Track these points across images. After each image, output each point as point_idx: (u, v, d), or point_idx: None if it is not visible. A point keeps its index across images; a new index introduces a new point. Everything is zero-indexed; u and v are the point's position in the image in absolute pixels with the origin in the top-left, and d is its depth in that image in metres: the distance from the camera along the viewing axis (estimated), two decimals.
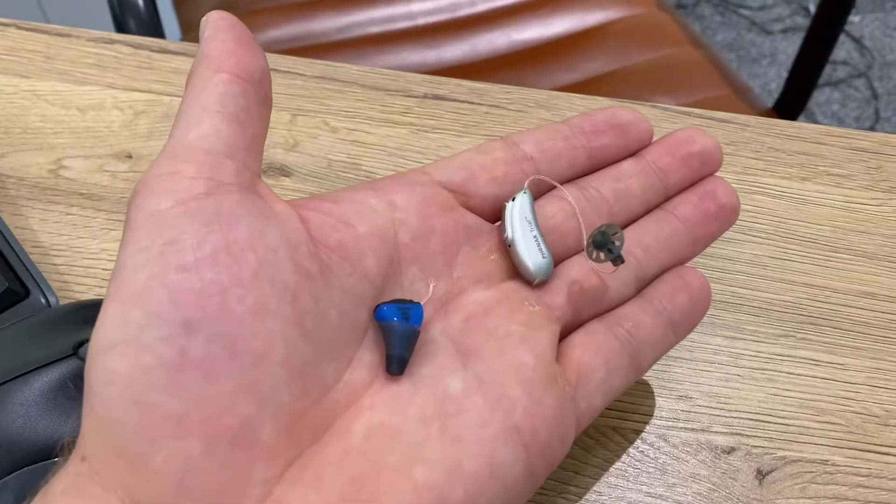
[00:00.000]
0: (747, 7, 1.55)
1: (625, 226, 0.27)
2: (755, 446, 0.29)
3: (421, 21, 0.82)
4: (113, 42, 0.43)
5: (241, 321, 0.19)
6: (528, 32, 0.83)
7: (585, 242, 0.25)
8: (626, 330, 0.25)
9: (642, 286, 0.27)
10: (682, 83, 0.80)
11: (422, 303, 0.23)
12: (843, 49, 1.47)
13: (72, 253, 0.34)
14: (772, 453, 0.29)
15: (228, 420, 0.18)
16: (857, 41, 1.48)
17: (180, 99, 0.23)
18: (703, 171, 0.28)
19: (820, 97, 1.41)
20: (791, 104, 0.79)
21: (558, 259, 0.26)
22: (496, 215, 0.26)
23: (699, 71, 0.81)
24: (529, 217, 0.25)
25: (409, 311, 0.22)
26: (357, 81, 0.41)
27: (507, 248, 0.25)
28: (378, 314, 0.22)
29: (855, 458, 0.29)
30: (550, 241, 0.26)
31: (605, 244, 0.24)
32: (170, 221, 0.19)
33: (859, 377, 0.32)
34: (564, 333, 0.25)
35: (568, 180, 0.27)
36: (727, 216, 0.28)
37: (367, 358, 0.22)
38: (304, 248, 0.21)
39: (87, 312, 0.29)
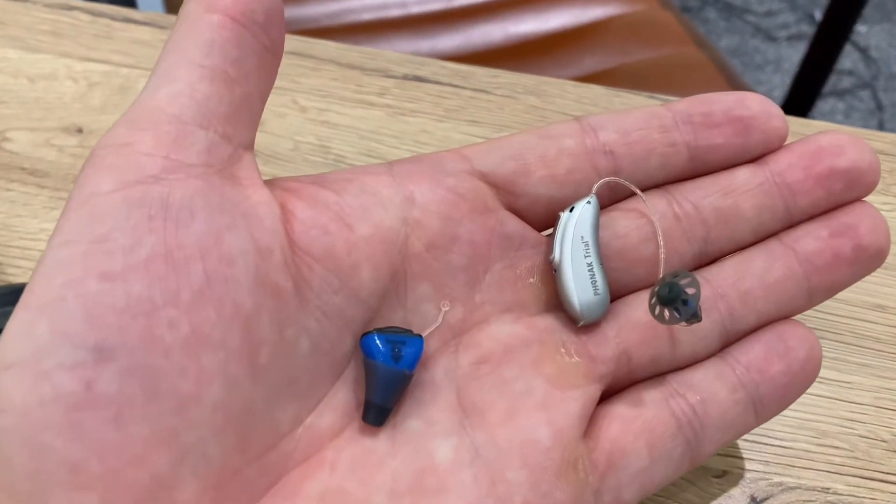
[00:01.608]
0: (752, 13, 1.53)
1: (723, 255, 0.22)
2: (749, 470, 0.27)
3: (414, 10, 0.79)
4: (71, 9, 0.40)
5: (168, 353, 0.16)
6: (524, 25, 0.81)
7: (650, 294, 0.20)
8: (691, 404, 0.20)
9: (728, 343, 0.21)
10: (684, 84, 0.78)
11: (424, 335, 0.19)
12: (848, 59, 1.45)
13: (8, 232, 0.31)
14: (767, 479, 0.27)
15: (136, 475, 0.15)
16: (863, 51, 1.46)
17: (140, 72, 0.20)
18: (845, 195, 0.21)
19: (824, 107, 1.39)
20: (795, 112, 0.78)
21: (620, 293, 0.21)
22: (549, 223, 0.21)
23: (702, 72, 0.79)
24: (588, 236, 0.20)
25: (403, 348, 0.19)
26: (333, 59, 0.38)
27: (552, 272, 0.21)
28: (363, 346, 0.19)
29: (858, 487, 0.27)
30: (614, 269, 0.21)
31: (673, 300, 0.19)
32: (104, 211, 0.16)
33: (866, 397, 0.29)
34: (607, 395, 0.21)
35: (656, 186, 0.22)
36: (865, 263, 0.21)
37: (343, 398, 0.19)
38: (276, 257, 0.17)
39: (14, 299, 0.26)
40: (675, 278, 0.19)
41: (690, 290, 0.19)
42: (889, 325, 0.31)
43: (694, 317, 0.19)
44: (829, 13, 0.73)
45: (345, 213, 0.19)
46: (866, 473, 0.27)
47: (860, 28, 1.42)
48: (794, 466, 0.27)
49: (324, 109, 0.37)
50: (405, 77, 0.38)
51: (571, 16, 0.80)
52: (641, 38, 0.77)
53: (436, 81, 0.38)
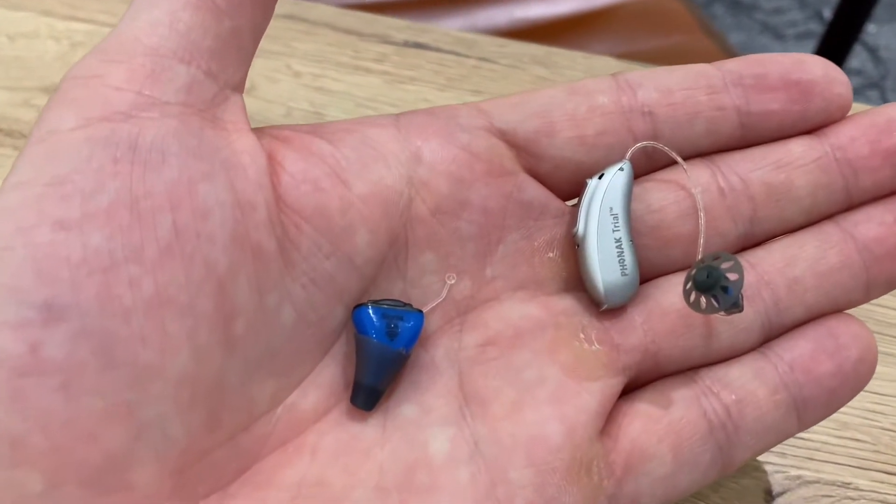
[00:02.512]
0: (760, 10, 1.52)
1: (770, 238, 0.20)
2: (764, 462, 0.26)
3: None
4: None
5: (127, 316, 0.14)
6: (530, 10, 0.79)
7: (686, 278, 0.18)
8: (724, 405, 0.18)
9: (771, 336, 0.19)
10: None
11: (425, 310, 0.18)
12: (857, 59, 1.44)
13: None
14: (784, 472, 0.25)
15: (86, 453, 0.14)
16: (872, 52, 1.45)
17: None
18: None
19: None
20: None
21: (652, 275, 0.19)
22: (574, 192, 0.19)
23: (710, 61, 0.79)
24: (618, 208, 0.18)
25: (400, 324, 0.17)
26: (329, 23, 0.37)
27: (575, 247, 0.19)
28: (355, 319, 0.17)
29: (882, 483, 0.26)
30: (646, 247, 0.19)
31: (711, 287, 0.17)
32: (63, 150, 0.14)
33: (890, 388, 0.28)
34: (630, 389, 0.19)
35: (699, 155, 0.20)
36: None
37: (330, 376, 0.17)
38: (259, 213, 0.16)
39: None
40: (716, 261, 0.17)
41: (732, 276, 0.17)
42: None
43: (735, 306, 0.17)
44: (839, 12, 0.71)
45: (341, 168, 0.17)
46: (890, 468, 0.26)
47: (870, 28, 1.41)
48: (813, 459, 0.26)
49: (319, 75, 0.35)
50: (405, 44, 0.36)
51: (579, 1, 0.79)
52: (650, 25, 0.75)
53: (437, 49, 0.36)
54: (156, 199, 0.15)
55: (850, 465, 0.26)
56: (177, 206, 0.15)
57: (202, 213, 0.15)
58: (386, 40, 0.37)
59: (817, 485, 0.25)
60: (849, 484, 0.26)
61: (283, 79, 0.35)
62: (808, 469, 0.26)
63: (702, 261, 0.18)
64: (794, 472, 0.25)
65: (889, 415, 0.27)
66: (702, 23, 0.81)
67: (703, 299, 0.17)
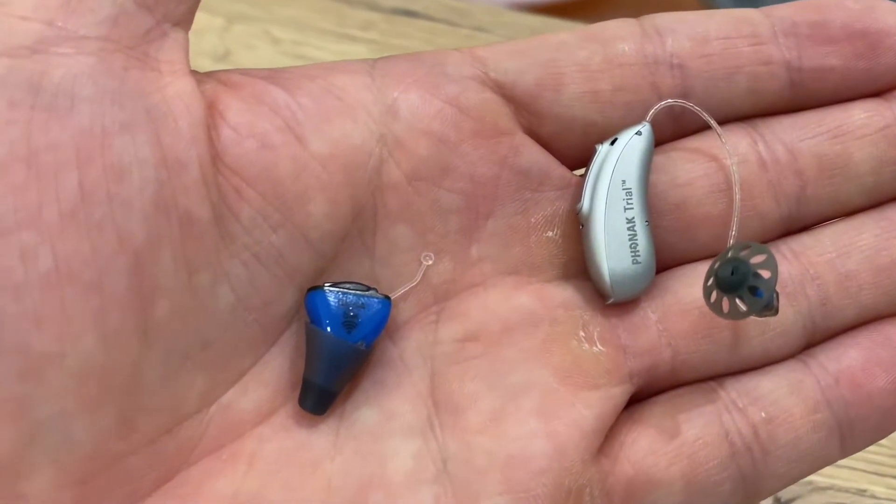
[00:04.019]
0: (764, 2, 1.50)
1: (821, 222, 0.17)
2: None
3: None
4: None
5: (19, 293, 0.13)
6: None
7: (707, 273, 0.16)
8: (752, 423, 0.16)
9: (815, 342, 0.17)
10: None
11: (394, 296, 0.15)
12: None
13: None
14: None
15: None
16: None
17: None
18: None
19: None
20: None
21: (672, 263, 0.17)
22: (584, 159, 0.17)
23: None
24: (633, 180, 0.16)
25: (361, 313, 0.15)
26: None
27: (579, 226, 0.16)
28: (307, 306, 0.15)
29: None
30: (666, 229, 0.17)
31: (737, 286, 0.15)
32: None
33: None
34: (639, 398, 0.17)
35: (738, 119, 0.17)
36: None
37: (276, 371, 0.15)
38: (190, 174, 0.14)
39: None
40: (744, 254, 0.15)
41: (764, 274, 0.15)
42: None
43: (767, 309, 0.15)
44: None
45: (296, 121, 0.15)
46: None
47: None
48: None
49: (299, 42, 0.34)
50: (394, 11, 0.35)
51: None
52: (656, 7, 0.75)
53: (428, 17, 0.35)
54: (59, 153, 0.13)
55: (865, 471, 0.25)
56: (85, 162, 0.13)
57: (117, 171, 0.13)
58: (373, 7, 0.35)
59: (831, 491, 0.24)
60: (864, 491, 0.24)
61: (260, 45, 0.34)
62: (820, 474, 0.24)
63: (726, 252, 0.15)
64: (805, 478, 0.22)
65: None
66: (707, 6, 0.79)
67: (725, 301, 0.15)
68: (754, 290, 0.14)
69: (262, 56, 0.33)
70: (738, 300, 0.15)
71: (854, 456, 0.24)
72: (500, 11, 0.35)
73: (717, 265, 0.15)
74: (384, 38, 0.34)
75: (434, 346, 0.16)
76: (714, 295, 0.15)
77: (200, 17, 0.40)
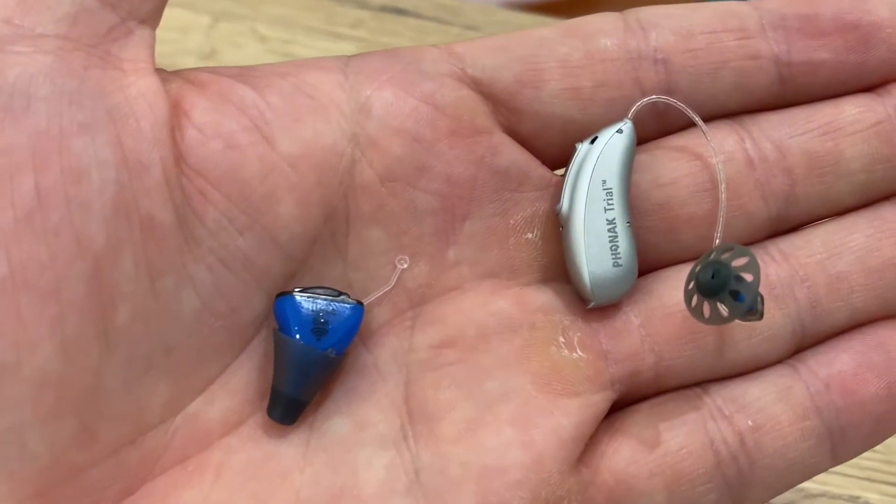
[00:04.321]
0: None
1: (811, 221, 0.17)
2: None
3: None
4: None
5: None
6: None
7: (688, 277, 0.15)
8: (738, 431, 0.15)
9: (804, 346, 0.16)
10: None
11: (367, 301, 0.15)
12: None
13: None
14: None
15: None
16: None
17: None
18: None
19: None
20: None
21: (656, 265, 0.16)
22: (566, 158, 0.16)
23: None
24: (613, 180, 0.15)
25: (332, 319, 0.14)
26: None
27: (559, 228, 0.16)
28: (276, 312, 0.14)
29: (894, 498, 0.24)
30: (650, 230, 0.16)
31: (718, 290, 0.14)
32: None
33: None
34: (621, 406, 0.16)
35: (725, 116, 0.17)
36: None
37: (244, 379, 0.15)
38: (153, 176, 0.14)
39: None
40: (725, 256, 0.14)
41: (747, 277, 0.14)
42: None
43: (751, 314, 0.14)
44: None
45: (265, 121, 0.15)
46: None
47: None
48: None
49: (287, 41, 0.33)
50: (383, 8, 0.34)
51: None
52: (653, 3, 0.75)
53: (418, 15, 0.34)
54: (14, 155, 0.13)
55: (858, 477, 0.24)
56: (42, 164, 0.13)
57: (75, 174, 0.13)
58: (362, 4, 0.35)
59: (823, 498, 0.24)
60: (857, 498, 0.24)
61: (247, 44, 0.33)
62: (813, 480, 0.21)
63: (707, 256, 0.14)
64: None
65: None
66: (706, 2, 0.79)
67: (706, 306, 0.14)
68: (736, 295, 0.14)
69: (248, 54, 0.32)
70: (719, 305, 0.14)
71: (846, 462, 0.24)
72: (492, 10, 0.35)
73: (697, 268, 0.15)
74: (373, 36, 0.33)
75: (409, 352, 0.15)
76: (695, 299, 0.15)
77: (185, 15, 0.40)
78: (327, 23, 0.34)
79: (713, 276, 0.14)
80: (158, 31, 0.37)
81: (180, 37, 0.33)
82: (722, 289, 0.14)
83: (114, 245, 0.13)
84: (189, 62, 0.32)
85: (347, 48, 0.32)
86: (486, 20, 0.34)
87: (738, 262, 0.14)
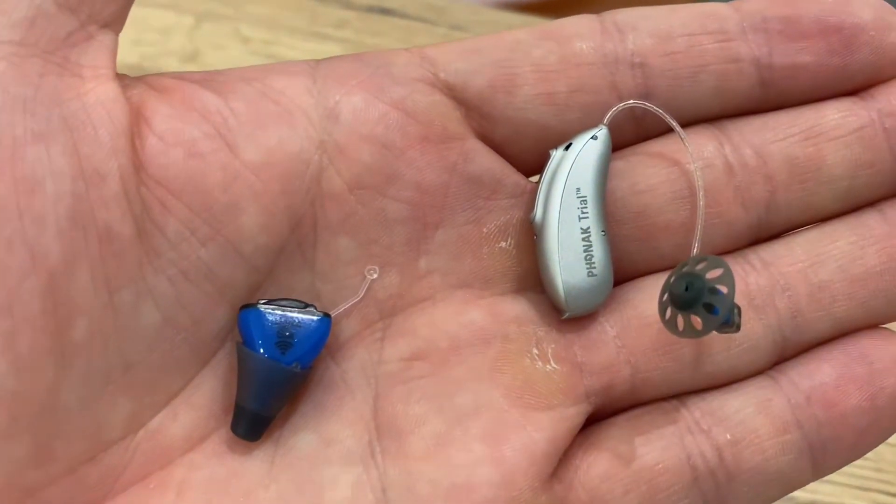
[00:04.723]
0: None
1: (793, 229, 0.16)
2: None
3: None
4: None
5: None
6: None
7: (662, 289, 0.15)
8: (716, 445, 0.15)
9: (785, 357, 0.16)
10: None
11: (334, 313, 0.14)
12: None
13: None
14: None
15: None
16: None
17: None
18: None
19: None
20: None
21: (633, 274, 0.16)
22: (540, 164, 0.16)
23: None
24: (588, 188, 0.15)
25: (297, 332, 0.14)
26: None
27: (533, 236, 0.15)
28: (240, 326, 0.14)
29: None
30: (626, 238, 0.16)
31: (691, 303, 0.14)
32: None
33: None
34: (596, 419, 0.16)
35: (704, 120, 0.16)
36: None
37: (208, 394, 0.14)
38: (110, 187, 0.13)
39: None
40: (700, 267, 0.14)
41: (722, 289, 0.14)
42: None
43: (726, 326, 0.14)
44: None
45: (228, 128, 0.14)
46: (893, 489, 0.24)
47: None
48: None
49: (270, 42, 0.33)
50: (369, 9, 0.34)
51: None
52: (646, 2, 0.74)
53: (404, 15, 0.34)
54: None
55: (849, 486, 0.24)
56: None
57: (29, 184, 0.12)
58: (347, 5, 0.34)
59: None
60: None
61: (230, 45, 0.33)
62: (802, 490, 0.20)
63: (681, 267, 0.14)
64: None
65: None
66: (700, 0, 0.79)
67: (681, 318, 0.14)
68: (710, 308, 0.13)
69: (231, 56, 0.32)
70: (693, 318, 0.14)
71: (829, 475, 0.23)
72: (479, 9, 0.34)
73: (671, 280, 0.14)
74: (358, 36, 0.33)
75: (378, 365, 0.15)
76: (669, 312, 0.14)
77: (168, 16, 0.39)
78: (311, 23, 0.33)
79: (686, 289, 0.13)
80: (140, 33, 0.36)
81: (162, 38, 0.32)
82: (695, 301, 0.13)
83: (69, 258, 0.13)
84: (171, 64, 0.32)
85: (332, 49, 0.32)
86: (473, 20, 0.34)
87: (713, 274, 0.14)
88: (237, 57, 0.32)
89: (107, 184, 0.13)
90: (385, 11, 0.33)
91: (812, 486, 0.23)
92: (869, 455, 0.25)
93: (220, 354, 0.14)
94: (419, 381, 0.15)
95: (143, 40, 0.33)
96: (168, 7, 0.33)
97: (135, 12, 0.39)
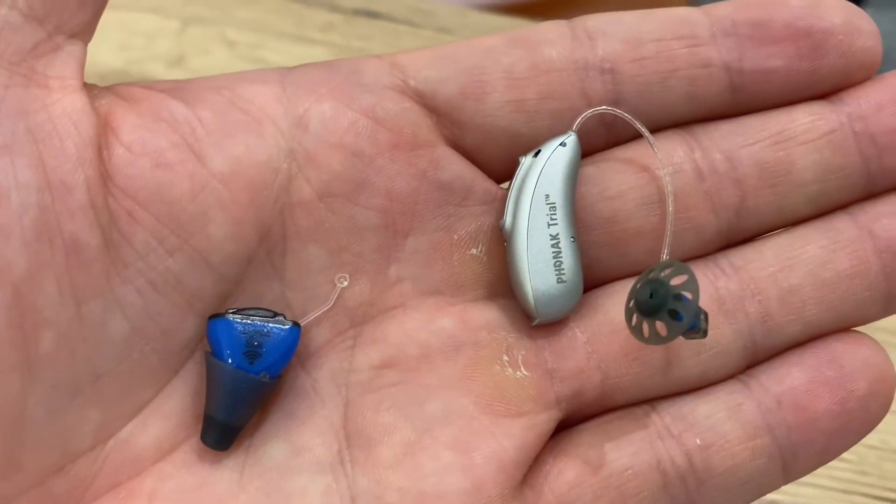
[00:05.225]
0: None
1: (764, 233, 0.16)
2: None
3: None
4: None
5: None
6: None
7: (628, 295, 0.15)
8: (686, 451, 0.15)
9: (756, 361, 0.16)
10: None
11: (304, 322, 0.14)
12: None
13: None
14: None
15: None
16: None
17: None
18: None
19: None
20: None
21: (603, 279, 0.16)
22: (511, 171, 0.16)
23: None
24: (557, 194, 0.15)
25: (266, 342, 0.14)
26: None
27: (503, 243, 0.15)
28: (208, 336, 0.14)
29: None
30: (596, 244, 0.16)
31: (656, 310, 0.14)
32: None
33: None
34: (567, 425, 0.15)
35: (675, 126, 0.16)
36: None
37: (178, 403, 0.14)
38: (77, 198, 0.13)
39: None
40: (665, 274, 0.14)
41: (686, 295, 0.13)
42: None
43: (693, 332, 0.14)
44: None
45: (196, 137, 0.14)
46: (877, 492, 0.24)
47: (868, 12, 1.40)
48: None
49: (256, 45, 0.33)
50: (355, 12, 0.34)
51: None
52: (640, 4, 0.74)
53: (390, 18, 0.34)
54: None
55: (831, 489, 0.24)
56: None
57: None
58: (334, 8, 0.34)
59: None
60: None
61: (216, 49, 0.32)
62: (784, 492, 0.22)
63: (647, 273, 0.14)
64: (767, 497, 0.20)
65: (877, 430, 0.24)
66: (691, 2, 0.79)
67: (645, 325, 0.14)
68: (675, 314, 0.13)
69: (217, 60, 0.32)
70: (658, 324, 0.14)
71: (818, 473, 0.23)
72: (465, 12, 0.34)
73: (637, 286, 0.14)
74: (344, 40, 0.33)
75: (349, 373, 0.15)
76: (635, 318, 0.14)
77: (154, 20, 0.39)
78: (297, 27, 0.33)
79: (651, 296, 0.13)
80: (126, 37, 0.36)
81: (148, 43, 0.32)
82: (660, 308, 0.13)
83: (35, 270, 0.13)
84: (156, 69, 0.31)
85: (318, 53, 0.32)
86: (459, 23, 0.34)
87: (678, 281, 0.13)
88: (223, 61, 0.32)
89: (73, 195, 0.13)
90: (371, 15, 0.33)
91: (794, 489, 0.24)
92: (852, 458, 0.25)
93: (189, 364, 0.14)
94: (389, 389, 0.15)
95: (128, 45, 0.33)
96: (154, 11, 0.33)
97: (120, 17, 0.40)
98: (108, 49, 0.33)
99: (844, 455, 0.23)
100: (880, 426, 0.25)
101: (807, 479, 0.23)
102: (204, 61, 0.32)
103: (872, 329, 0.17)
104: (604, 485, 0.14)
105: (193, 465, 0.14)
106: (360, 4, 0.34)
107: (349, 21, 0.33)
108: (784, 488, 0.22)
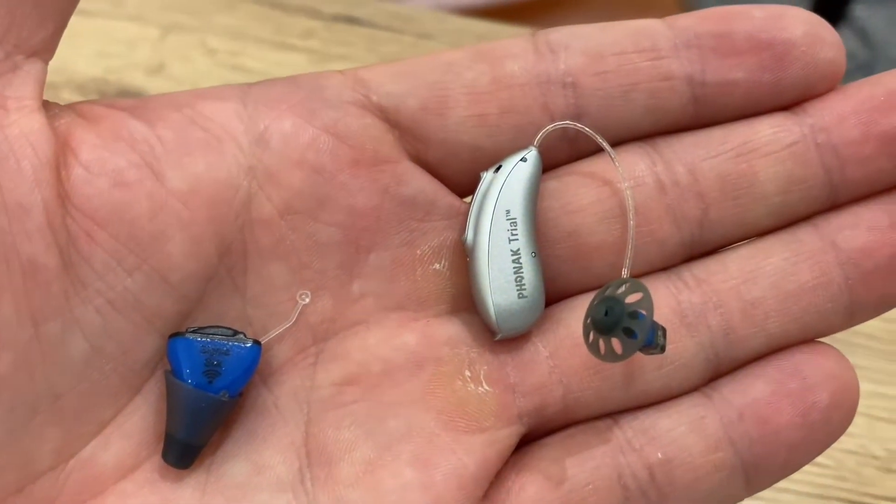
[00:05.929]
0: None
1: (726, 246, 0.16)
2: None
3: None
4: None
5: None
6: None
7: (586, 313, 0.14)
8: (648, 465, 0.15)
9: (719, 374, 0.16)
10: None
11: (264, 340, 0.14)
12: (848, 41, 1.43)
13: None
14: None
15: None
16: (862, 33, 1.44)
17: None
18: None
19: None
20: None
21: (566, 293, 0.16)
22: (474, 185, 0.16)
23: None
24: (518, 209, 0.15)
25: (225, 361, 0.14)
26: None
27: (466, 257, 0.15)
28: (168, 355, 0.14)
29: None
30: (558, 258, 0.15)
31: (611, 328, 0.13)
32: None
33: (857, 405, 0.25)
34: (530, 440, 0.15)
35: (635, 138, 0.16)
36: None
37: (140, 422, 0.14)
38: (34, 219, 0.13)
39: None
40: (620, 291, 0.13)
41: (642, 311, 0.13)
42: (887, 321, 0.26)
43: (650, 348, 0.14)
44: None
45: (154, 156, 0.14)
46: (855, 497, 0.24)
47: (860, 10, 1.41)
48: (769, 488, 0.21)
49: (236, 52, 0.33)
50: (335, 18, 0.34)
51: None
52: (629, 4, 0.74)
53: (371, 24, 0.34)
54: None
55: (810, 494, 0.24)
56: None
57: None
58: (314, 14, 0.34)
59: None
60: None
61: (196, 57, 0.32)
62: (762, 499, 0.22)
63: (605, 290, 0.14)
64: (745, 502, 0.21)
65: (855, 435, 0.25)
66: (684, 6, 0.79)
67: (601, 342, 0.14)
68: (630, 332, 0.13)
69: (197, 67, 0.32)
70: (613, 341, 0.13)
71: (796, 479, 0.24)
72: (446, 17, 0.34)
73: (594, 303, 0.14)
74: (325, 46, 0.32)
75: (311, 391, 0.15)
76: (591, 335, 0.14)
77: (133, 28, 0.39)
78: (277, 33, 0.33)
79: (606, 313, 0.13)
80: (105, 45, 0.36)
81: (128, 51, 0.32)
82: (615, 326, 0.13)
83: None
84: (137, 76, 0.31)
85: (298, 59, 0.32)
86: (440, 28, 0.34)
87: (633, 298, 0.13)
88: (203, 69, 0.32)
89: (30, 216, 0.13)
90: (352, 21, 0.33)
91: (771, 494, 0.23)
92: (830, 463, 0.25)
93: (151, 382, 0.14)
94: (351, 406, 0.14)
95: (107, 53, 0.33)
96: (133, 19, 0.33)
97: (99, 24, 0.40)
98: (86, 57, 0.33)
99: (822, 460, 0.24)
100: (858, 431, 0.25)
101: (785, 484, 0.23)
102: (184, 69, 0.32)
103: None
104: (564, 500, 0.14)
105: (155, 484, 0.14)
106: (341, 11, 0.34)
107: (329, 27, 0.33)
108: (762, 494, 0.22)
